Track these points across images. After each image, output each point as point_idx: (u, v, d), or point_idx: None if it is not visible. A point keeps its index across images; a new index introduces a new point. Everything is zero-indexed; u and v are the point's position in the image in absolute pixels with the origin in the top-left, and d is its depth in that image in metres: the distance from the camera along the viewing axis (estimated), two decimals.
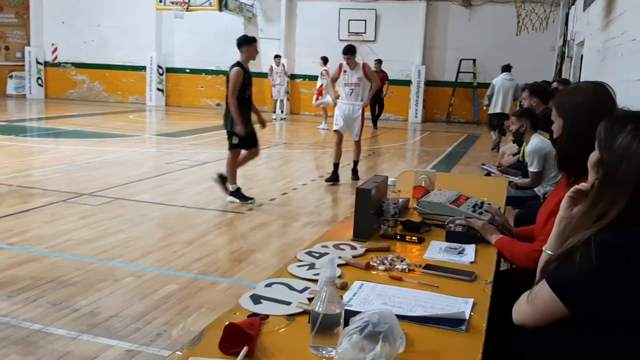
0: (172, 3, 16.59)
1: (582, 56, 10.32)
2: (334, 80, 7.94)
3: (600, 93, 2.14)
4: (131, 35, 18.95)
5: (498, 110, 11.33)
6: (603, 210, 1.46)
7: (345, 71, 7.63)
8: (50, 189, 6.67)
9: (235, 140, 6.29)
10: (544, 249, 1.75)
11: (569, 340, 1.55)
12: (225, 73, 18.44)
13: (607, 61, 6.79)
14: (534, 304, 1.55)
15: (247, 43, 6.37)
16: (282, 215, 6.08)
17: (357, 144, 7.98)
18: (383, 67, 15.54)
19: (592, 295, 1.44)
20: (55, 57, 20.20)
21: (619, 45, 5.99)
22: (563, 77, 11.96)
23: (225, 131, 6.41)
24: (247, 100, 6.39)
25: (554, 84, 7.36)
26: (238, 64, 6.29)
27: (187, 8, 16.63)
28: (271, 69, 16.20)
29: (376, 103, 15.16)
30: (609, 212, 1.45)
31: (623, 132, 1.49)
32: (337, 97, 7.88)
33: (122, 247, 4.71)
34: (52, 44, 20.07)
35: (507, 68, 11.58)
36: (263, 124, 6.71)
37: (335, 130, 7.78)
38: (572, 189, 1.71)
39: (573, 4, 12.66)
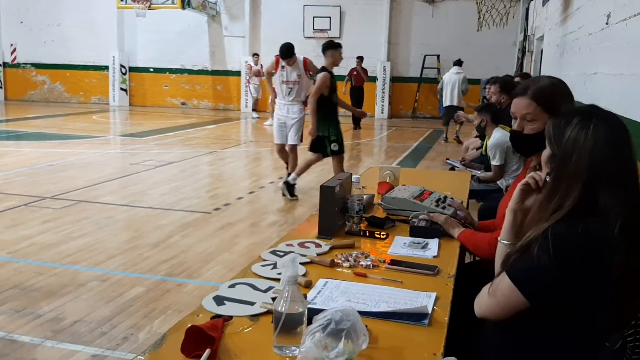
0: (134, 1, 16.34)
1: (542, 50, 10.53)
2: (270, 74, 7.03)
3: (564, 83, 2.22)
4: (92, 35, 18.62)
5: (448, 103, 11.95)
6: (559, 202, 1.51)
7: (283, 67, 6.75)
8: (12, 192, 6.51)
9: (335, 147, 6.47)
10: (499, 239, 1.79)
11: (529, 331, 1.58)
12: (190, 71, 18.42)
13: (566, 55, 6.95)
14: (494, 296, 1.58)
15: (332, 48, 6.47)
16: (250, 215, 6.05)
17: (293, 150, 6.91)
18: (349, 63, 15.63)
19: (551, 287, 1.48)
20: (14, 58, 19.71)
21: (576, 39, 6.14)
22: (524, 71, 12.26)
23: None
24: (334, 104, 6.53)
25: (517, 79, 7.49)
26: (324, 69, 6.40)
27: (149, 6, 16.41)
28: (250, 67, 16.23)
29: (358, 102, 14.96)
30: (565, 203, 1.49)
31: (570, 125, 1.54)
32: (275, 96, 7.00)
33: (86, 250, 4.63)
34: (11, 45, 19.59)
35: (457, 62, 12.24)
36: (362, 114, 7.25)
37: (275, 144, 7.09)
38: (523, 181, 1.75)
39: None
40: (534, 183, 1.72)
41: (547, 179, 1.61)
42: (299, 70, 6.78)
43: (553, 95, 2.11)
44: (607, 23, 4.40)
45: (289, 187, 6.58)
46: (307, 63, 6.85)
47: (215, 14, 18.29)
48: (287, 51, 6.61)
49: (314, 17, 17.58)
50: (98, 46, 18.65)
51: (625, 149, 1.51)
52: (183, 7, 16.43)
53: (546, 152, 1.62)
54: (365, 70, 15.34)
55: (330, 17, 17.56)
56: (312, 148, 6.58)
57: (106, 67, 18.91)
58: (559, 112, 1.71)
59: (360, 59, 15.34)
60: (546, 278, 1.47)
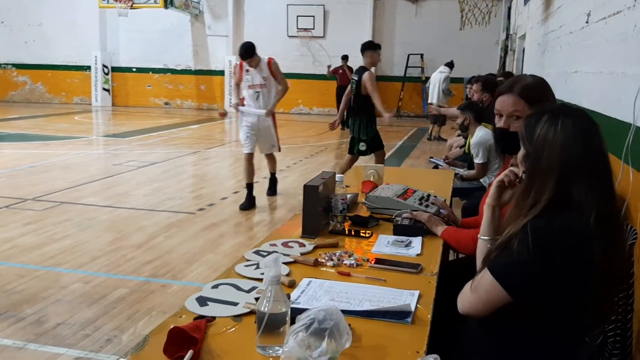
0: (116, 0, 16.21)
1: (524, 49, 10.61)
2: (238, 84, 6.40)
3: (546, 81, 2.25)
4: (74, 35, 18.44)
5: (429, 101, 12.30)
6: (535, 198, 1.54)
7: (247, 70, 6.07)
8: None
9: (362, 147, 6.48)
10: (479, 236, 1.81)
11: (511, 328, 1.60)
12: (173, 71, 18.36)
13: (547, 54, 7.01)
14: (477, 292, 1.59)
15: (371, 48, 6.50)
16: (234, 215, 6.03)
17: (271, 156, 6.64)
18: (333, 62, 15.65)
19: (532, 281, 1.50)
20: None
21: (557, 38, 6.19)
22: (507, 70, 12.39)
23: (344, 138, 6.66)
24: (373, 104, 6.55)
25: (500, 78, 7.56)
26: (364, 68, 6.44)
27: (132, 6, 16.29)
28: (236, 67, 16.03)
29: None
30: (540, 199, 1.53)
31: (540, 123, 1.57)
32: (242, 103, 6.36)
33: (68, 252, 4.58)
34: None
35: (447, 63, 12.40)
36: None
37: (245, 153, 6.29)
38: (498, 178, 1.78)
39: None
40: (508, 181, 1.75)
41: (523, 177, 1.65)
42: (264, 72, 6.07)
43: (539, 92, 2.14)
44: (587, 22, 4.44)
45: None
46: (272, 64, 6.11)
47: (198, 13, 18.21)
48: (247, 50, 5.93)
49: (297, 16, 17.57)
50: (80, 46, 18.48)
51: (595, 142, 1.54)
52: (166, 7, 16.34)
53: (521, 152, 1.66)
54: (351, 69, 15.14)
55: (314, 17, 17.56)
56: (370, 151, 6.62)
57: (88, 67, 18.74)
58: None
59: (345, 58, 15.26)
60: (527, 272, 1.49)
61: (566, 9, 5.71)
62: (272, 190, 6.85)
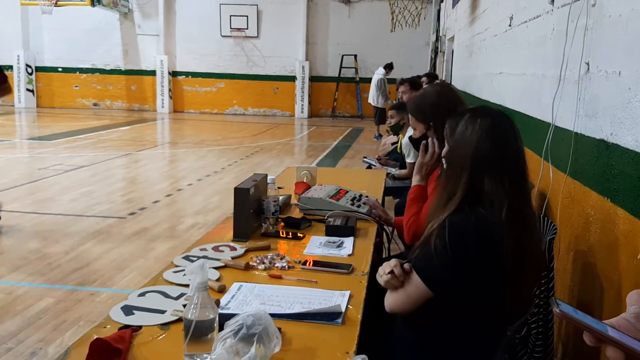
0: None
1: (453, 51, 10.92)
2: None
3: (447, 90, 2.56)
4: None
5: (369, 101, 12.91)
6: (450, 191, 1.62)
7: None
8: None
9: None
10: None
11: (434, 323, 1.64)
12: (102, 71, 18.04)
13: (474, 56, 7.23)
14: (403, 289, 1.63)
15: None
16: (167, 218, 5.90)
17: None
18: (268, 62, 15.53)
19: (451, 276, 1.54)
20: None
21: (483, 40, 6.40)
22: (437, 71, 12.75)
23: None
24: None
25: (423, 79, 7.74)
26: None
27: (56, 3, 15.64)
28: None
29: None
30: (456, 190, 1.60)
31: (461, 122, 1.67)
32: None
33: None
34: None
35: (385, 65, 12.65)
36: None
37: None
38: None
39: (442, 1, 13.36)
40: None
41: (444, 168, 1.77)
42: None
43: (424, 108, 2.48)
44: (510, 25, 4.61)
45: None
46: None
47: (128, 12, 17.70)
48: None
49: (230, 15, 17.38)
50: (0, 45, 17.59)
51: (507, 140, 1.63)
52: (92, 5, 15.79)
53: (445, 148, 1.74)
54: None
55: (247, 16, 17.42)
56: None
57: (10, 67, 17.85)
58: (436, 119, 2.24)
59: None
60: (445, 268, 1.54)
61: (491, 12, 5.91)
62: None
